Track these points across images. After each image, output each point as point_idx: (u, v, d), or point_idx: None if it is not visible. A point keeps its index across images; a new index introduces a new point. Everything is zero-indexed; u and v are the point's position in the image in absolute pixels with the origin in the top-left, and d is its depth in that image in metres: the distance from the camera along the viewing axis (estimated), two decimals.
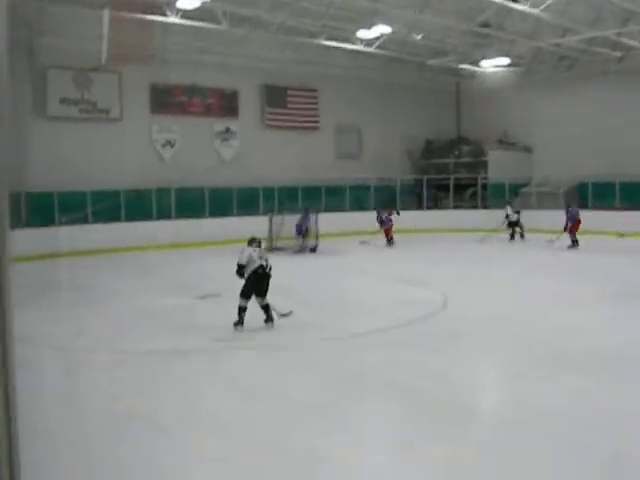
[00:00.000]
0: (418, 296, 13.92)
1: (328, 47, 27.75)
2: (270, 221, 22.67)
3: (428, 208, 31.52)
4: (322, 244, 22.82)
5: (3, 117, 0.98)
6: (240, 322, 10.74)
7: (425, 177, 32.69)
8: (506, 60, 31.29)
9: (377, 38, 27.36)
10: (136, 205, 23.98)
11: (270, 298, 10.94)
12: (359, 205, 29.70)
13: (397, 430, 6.59)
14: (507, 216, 25.37)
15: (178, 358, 9.26)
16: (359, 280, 16.56)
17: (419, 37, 27.57)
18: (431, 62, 31.36)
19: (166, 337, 10.31)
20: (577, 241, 22.68)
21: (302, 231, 22.48)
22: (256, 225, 22.76)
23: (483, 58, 31.39)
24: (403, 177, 32.93)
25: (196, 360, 9.25)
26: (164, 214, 24.55)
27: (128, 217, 23.82)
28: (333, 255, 21.67)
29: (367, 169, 31.26)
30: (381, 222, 24.54)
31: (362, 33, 26.62)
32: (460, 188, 32.90)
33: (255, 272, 10.87)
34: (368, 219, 25.14)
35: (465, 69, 33.59)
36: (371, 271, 17.95)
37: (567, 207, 23.83)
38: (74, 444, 6.15)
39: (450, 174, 32.92)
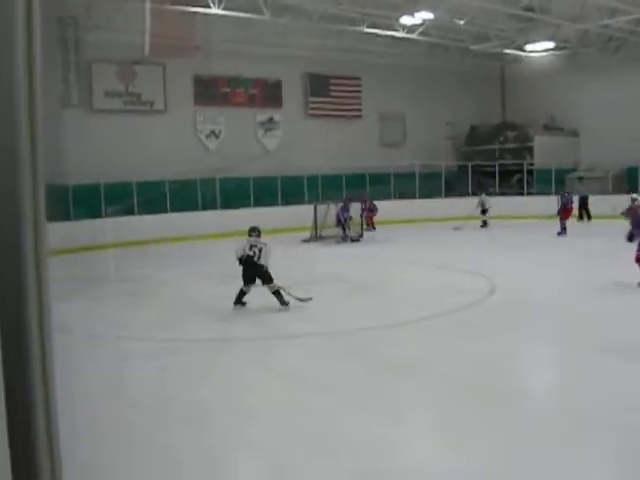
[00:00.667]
0: (465, 284, 13.80)
1: (370, 34, 27.60)
2: (315, 210, 22.67)
3: (473, 195, 31.24)
4: (369, 232, 22.84)
5: (37, 110, 0.98)
6: (237, 302, 11.64)
7: (470, 164, 32.42)
8: (551, 44, 30.79)
9: (420, 24, 27.14)
10: (181, 196, 24.17)
11: (313, 287, 10.96)
12: (406, 193, 29.58)
13: (446, 419, 6.55)
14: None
15: (226, 347, 9.34)
16: (406, 268, 16.50)
17: (462, 22, 27.25)
18: (475, 47, 31.01)
19: (214, 326, 10.39)
20: (566, 228, 22.59)
21: (342, 221, 22.39)
22: (301, 214, 22.92)
23: (527, 42, 30.92)
24: (447, 164, 32.69)
25: (243, 348, 9.31)
26: (209, 204, 24.72)
27: (173, 208, 24.04)
28: (379, 243, 21.61)
29: (411, 156, 31.06)
30: (369, 210, 24.95)
31: (405, 20, 26.42)
32: (505, 174, 32.55)
33: (244, 262, 11.46)
34: (412, 206, 25.08)
35: (509, 54, 33.14)
36: (418, 259, 17.87)
37: (562, 193, 24.14)
38: (124, 432, 6.23)
39: (495, 160, 32.58)
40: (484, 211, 26.12)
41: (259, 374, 8.09)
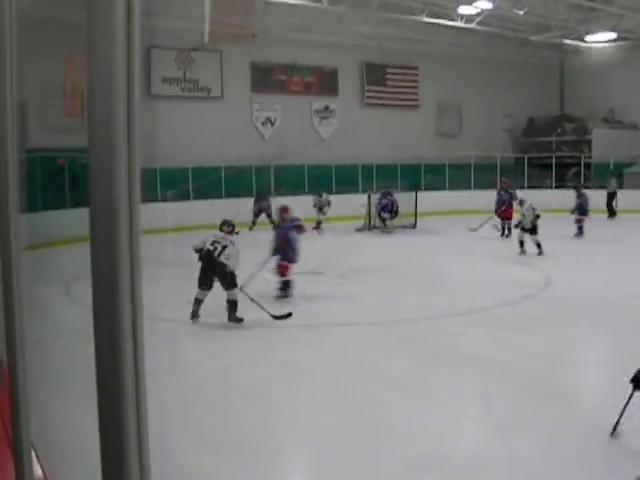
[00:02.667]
0: (519, 276, 13.70)
1: (428, 24, 27.42)
2: (369, 199, 22.62)
3: (529, 187, 30.84)
4: (422, 222, 22.69)
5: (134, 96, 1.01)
6: (193, 315, 9.92)
7: (526, 155, 32.03)
8: (613, 35, 30.23)
9: (478, 14, 26.92)
10: (236, 182, 24.33)
11: (367, 276, 10.88)
12: (461, 184, 29.35)
13: (495, 409, 6.53)
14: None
15: (278, 333, 9.40)
16: (458, 259, 16.39)
17: (521, 12, 26.92)
18: (534, 38, 30.60)
19: (262, 312, 10.43)
20: (581, 228, 20.42)
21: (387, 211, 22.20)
22: (355, 203, 22.90)
23: (588, 33, 30.43)
24: (504, 155, 32.34)
25: (295, 334, 9.38)
26: (264, 191, 24.80)
27: (228, 194, 24.19)
28: (432, 234, 21.49)
29: (467, 147, 30.79)
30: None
31: (463, 9, 26.23)
32: (562, 167, 32.09)
33: (203, 258, 9.82)
34: (467, 198, 24.87)
35: (569, 45, 32.62)
36: (470, 250, 17.74)
37: (577, 191, 21.39)
38: (185, 416, 6.33)
39: (552, 153, 32.13)
40: None
41: (313, 361, 8.14)
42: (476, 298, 11.55)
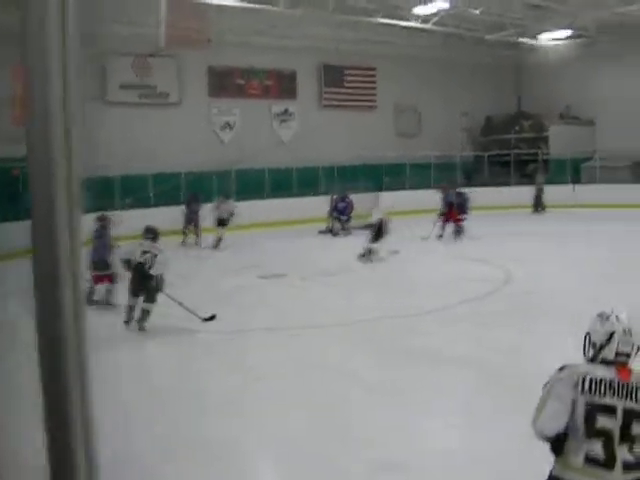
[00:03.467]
0: (481, 272, 13.79)
1: (385, 25, 27.52)
2: (331, 201, 22.61)
3: (489, 185, 31.11)
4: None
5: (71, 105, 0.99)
6: (127, 320, 9.97)
7: (486, 154, 32.31)
8: (567, 32, 30.63)
9: (434, 14, 27.07)
10: (197, 187, 24.16)
11: (330, 277, 10.84)
12: (421, 183, 29.50)
13: (472, 404, 6.57)
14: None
15: (240, 337, 9.36)
16: (419, 258, 16.50)
17: (477, 12, 27.16)
18: (489, 37, 30.90)
19: (228, 317, 10.38)
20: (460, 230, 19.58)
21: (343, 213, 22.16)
22: (317, 205, 22.90)
23: (543, 31, 30.80)
24: (463, 154, 32.59)
25: (262, 338, 9.34)
26: (225, 196, 24.64)
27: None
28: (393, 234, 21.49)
29: (427, 147, 31.00)
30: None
31: (419, 9, 26.34)
32: (521, 164, 32.45)
33: (135, 269, 9.86)
34: (429, 196, 24.92)
35: (525, 43, 32.98)
36: (430, 249, 17.86)
37: (455, 191, 20.69)
38: (154, 421, 6.28)
39: (511, 150, 32.45)
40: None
41: (278, 364, 8.11)
42: (438, 296, 11.61)
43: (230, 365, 8.24)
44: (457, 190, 20.83)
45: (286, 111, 28.96)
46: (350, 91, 30.51)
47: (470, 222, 19.24)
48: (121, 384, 7.18)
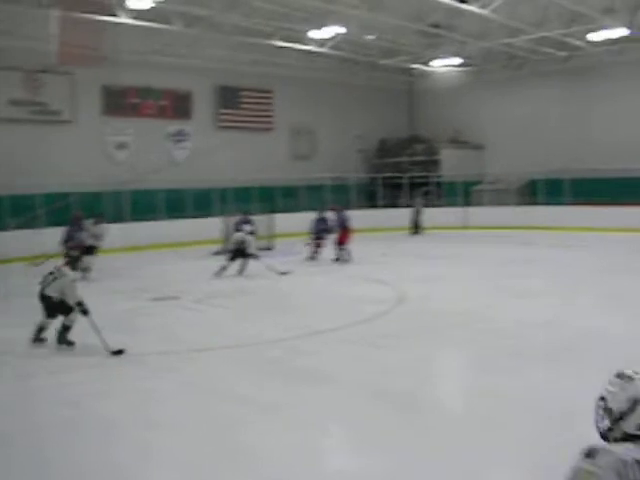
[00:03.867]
0: (375, 294, 14.02)
1: (282, 48, 27.78)
2: (224, 222, 22.49)
3: (384, 207, 31.68)
4: (278, 244, 22.90)
5: None
6: (34, 339, 9.89)
7: (379, 176, 32.90)
8: (457, 60, 31.70)
9: (330, 38, 27.49)
10: (89, 208, 23.67)
11: (223, 299, 10.86)
12: (314, 205, 29.70)
13: (360, 426, 6.66)
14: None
15: (133, 361, 9.24)
16: (313, 279, 16.68)
17: (372, 37, 27.77)
18: (384, 62, 31.62)
19: (120, 341, 10.24)
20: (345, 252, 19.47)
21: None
22: (210, 227, 22.80)
23: (434, 58, 31.75)
24: (358, 176, 33.09)
25: (155, 361, 9.24)
26: (118, 216, 24.21)
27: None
28: (287, 255, 21.60)
29: (322, 169, 31.34)
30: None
31: (315, 34, 26.70)
32: (414, 186, 33.18)
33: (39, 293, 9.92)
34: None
35: (417, 69, 33.93)
36: (326, 271, 18.05)
37: (334, 210, 20.69)
38: (29, 450, 6.15)
39: (404, 173, 33.17)
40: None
41: (172, 387, 8.05)
42: (332, 317, 11.73)
43: (123, 389, 8.12)
44: (338, 211, 20.70)
45: (181, 131, 28.78)
46: (246, 113, 30.58)
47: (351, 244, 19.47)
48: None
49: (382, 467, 5.62)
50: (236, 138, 29.79)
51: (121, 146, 27.00)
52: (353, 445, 6.35)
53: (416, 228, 28.17)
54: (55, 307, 9.76)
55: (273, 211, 24.06)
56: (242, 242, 17.26)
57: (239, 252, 17.26)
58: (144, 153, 27.00)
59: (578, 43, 27.97)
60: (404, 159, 34.78)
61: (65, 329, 9.77)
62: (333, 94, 33.38)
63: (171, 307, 13.12)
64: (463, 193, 30.90)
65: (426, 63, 32.74)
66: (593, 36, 26.67)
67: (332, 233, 19.74)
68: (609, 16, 23.99)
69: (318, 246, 19.74)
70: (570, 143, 30.41)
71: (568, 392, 7.22)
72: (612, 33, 25.95)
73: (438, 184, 33.13)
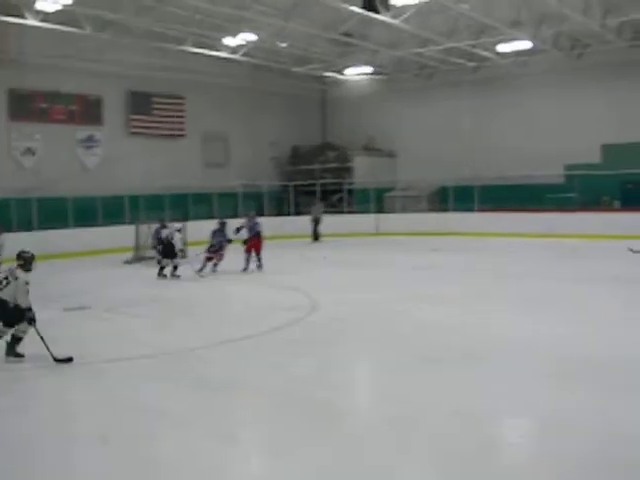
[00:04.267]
0: (288, 301, 14.03)
1: (195, 54, 27.66)
2: (137, 230, 22.12)
3: (296, 214, 31.81)
4: (191, 252, 22.66)
5: None
6: (9, 352, 9.40)
7: (292, 183, 33.02)
8: (369, 69, 32.12)
9: (243, 45, 27.52)
10: None
11: (134, 308, 10.68)
12: (228, 213, 29.60)
13: (273, 435, 6.67)
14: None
15: (47, 373, 9.04)
16: (227, 287, 16.63)
17: (284, 45, 27.90)
18: (296, 70, 31.78)
19: (33, 352, 10.00)
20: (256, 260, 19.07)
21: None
22: (122, 234, 22.45)
23: (347, 66, 32.10)
24: (270, 183, 33.12)
25: (67, 373, 9.05)
26: (25, 225, 23.59)
27: None
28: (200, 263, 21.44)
29: (235, 176, 31.27)
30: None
31: (228, 40, 26.68)
32: (327, 193, 33.43)
33: None
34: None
35: (330, 77, 34.23)
36: (239, 278, 18.01)
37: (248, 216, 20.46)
38: None
39: (316, 180, 33.37)
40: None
41: (87, 400, 7.91)
42: (245, 325, 11.70)
43: (37, 403, 7.92)
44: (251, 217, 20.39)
45: (91, 137, 28.25)
46: (158, 119, 30.27)
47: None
48: None
49: (296, 476, 5.66)
50: (148, 145, 29.50)
51: (28, 152, 26.30)
52: (266, 454, 6.34)
53: (315, 236, 28.21)
54: (11, 313, 9.27)
55: (186, 219, 23.78)
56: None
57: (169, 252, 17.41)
58: (53, 159, 26.41)
59: (486, 54, 28.78)
60: (317, 166, 35.02)
61: (15, 340, 9.34)
62: (246, 101, 33.40)
63: (82, 317, 12.86)
64: (375, 200, 31.31)
65: (339, 71, 33.08)
66: (501, 47, 27.47)
67: (229, 243, 18.77)
68: (516, 28, 24.74)
69: (210, 259, 18.50)
70: (480, 151, 31.24)
71: (474, 393, 7.46)
72: (518, 45, 26.82)
73: (350, 191, 33.46)
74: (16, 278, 9.46)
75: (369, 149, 35.58)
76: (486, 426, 6.61)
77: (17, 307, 9.31)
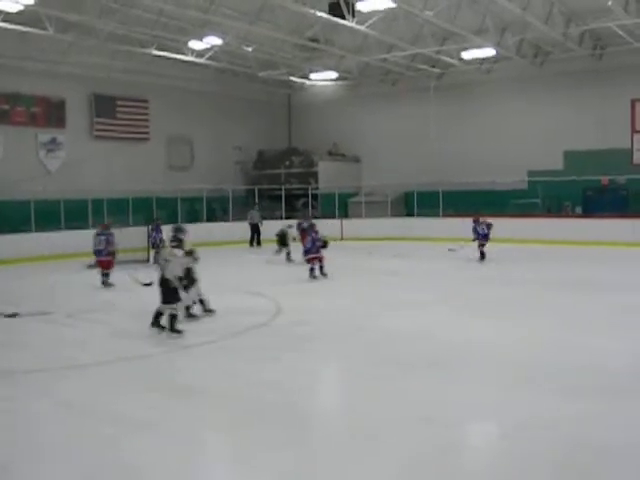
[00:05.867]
0: (252, 305, 14.01)
1: (159, 57, 27.53)
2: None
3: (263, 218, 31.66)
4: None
5: None
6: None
7: (257, 187, 32.97)
8: (334, 74, 32.18)
9: (208, 49, 27.43)
10: None
11: (93, 314, 10.53)
12: (191, 217, 29.51)
13: (237, 440, 6.64)
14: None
15: (4, 381, 8.92)
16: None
17: (250, 49, 27.84)
18: (262, 74, 31.75)
19: None
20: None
21: (156, 244, 21.69)
22: (85, 239, 22.18)
23: (312, 71, 32.13)
24: (235, 188, 33.00)
25: (24, 381, 8.94)
26: None
27: None
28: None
29: (199, 180, 31.11)
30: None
31: (193, 44, 26.58)
32: (292, 198, 33.41)
33: None
34: (195, 230, 25.00)
35: (295, 81, 34.22)
36: (207, 281, 17.89)
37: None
38: None
39: (282, 184, 33.34)
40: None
41: (45, 407, 7.79)
42: (208, 330, 11.61)
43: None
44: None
45: (54, 140, 27.94)
46: (122, 122, 30.05)
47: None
48: None
49: None
50: (112, 148, 29.28)
51: None
52: (229, 460, 6.32)
53: (252, 241, 28.06)
54: (171, 293, 10.88)
55: (149, 222, 23.56)
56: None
57: None
58: (14, 162, 26.03)
59: (451, 61, 29.00)
60: (282, 171, 35.01)
61: (173, 318, 10.87)
62: (211, 105, 33.29)
63: (43, 323, 12.70)
64: (339, 205, 31.37)
65: (305, 76, 33.09)
66: (465, 54, 27.68)
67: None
68: (480, 36, 24.95)
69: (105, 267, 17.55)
70: (444, 156, 31.44)
71: (442, 399, 7.48)
72: (482, 52, 27.05)
73: (315, 196, 33.47)
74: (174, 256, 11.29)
75: (334, 154, 35.67)
76: (452, 432, 6.63)
77: (175, 289, 10.96)
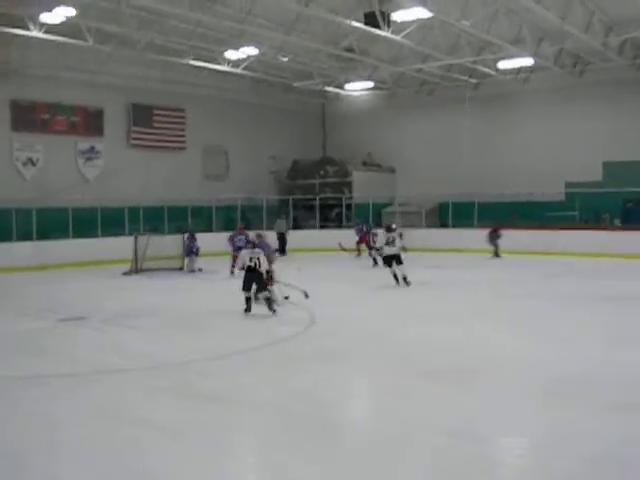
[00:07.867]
0: (288, 315, 13.99)
1: (196, 67, 27.76)
2: (135, 242, 22.03)
3: (295, 228, 31.71)
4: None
5: None
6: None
7: (291, 197, 33.03)
8: (370, 84, 32.16)
9: (244, 59, 27.58)
10: None
11: (130, 320, 10.61)
12: (227, 226, 29.61)
13: (268, 450, 6.62)
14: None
15: (37, 384, 9.00)
16: (224, 300, 16.52)
17: (286, 59, 27.96)
18: (297, 84, 31.85)
19: (24, 362, 9.99)
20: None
21: (193, 252, 22.08)
22: (121, 246, 22.41)
23: (347, 81, 32.15)
24: (269, 197, 33.10)
25: (58, 384, 9.02)
26: (25, 235, 23.59)
27: None
28: (212, 274, 21.40)
29: (234, 189, 31.26)
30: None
31: (229, 54, 26.75)
32: (326, 208, 33.43)
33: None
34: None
35: (330, 91, 34.26)
36: (235, 291, 17.92)
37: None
38: None
39: (316, 194, 33.38)
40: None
41: (77, 411, 7.86)
42: (242, 338, 11.66)
43: (29, 413, 7.87)
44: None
45: (92, 149, 28.30)
46: (159, 131, 30.32)
47: None
48: None
49: None
50: (148, 156, 29.53)
51: (29, 162, 26.34)
52: (256, 468, 6.30)
53: (282, 251, 27.57)
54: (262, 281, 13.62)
55: (185, 231, 23.71)
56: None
57: None
58: (54, 170, 26.47)
59: (488, 71, 28.86)
60: (316, 181, 35.05)
61: (270, 301, 13.64)
62: (247, 115, 33.44)
63: (78, 328, 12.82)
64: (373, 215, 31.28)
65: (339, 86, 33.12)
66: (502, 64, 27.52)
67: None
68: (517, 45, 24.80)
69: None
70: (479, 168, 31.20)
71: (472, 413, 7.41)
72: (519, 62, 26.88)
73: (349, 206, 33.44)
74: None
75: (368, 164, 35.64)
76: (480, 445, 6.55)
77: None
